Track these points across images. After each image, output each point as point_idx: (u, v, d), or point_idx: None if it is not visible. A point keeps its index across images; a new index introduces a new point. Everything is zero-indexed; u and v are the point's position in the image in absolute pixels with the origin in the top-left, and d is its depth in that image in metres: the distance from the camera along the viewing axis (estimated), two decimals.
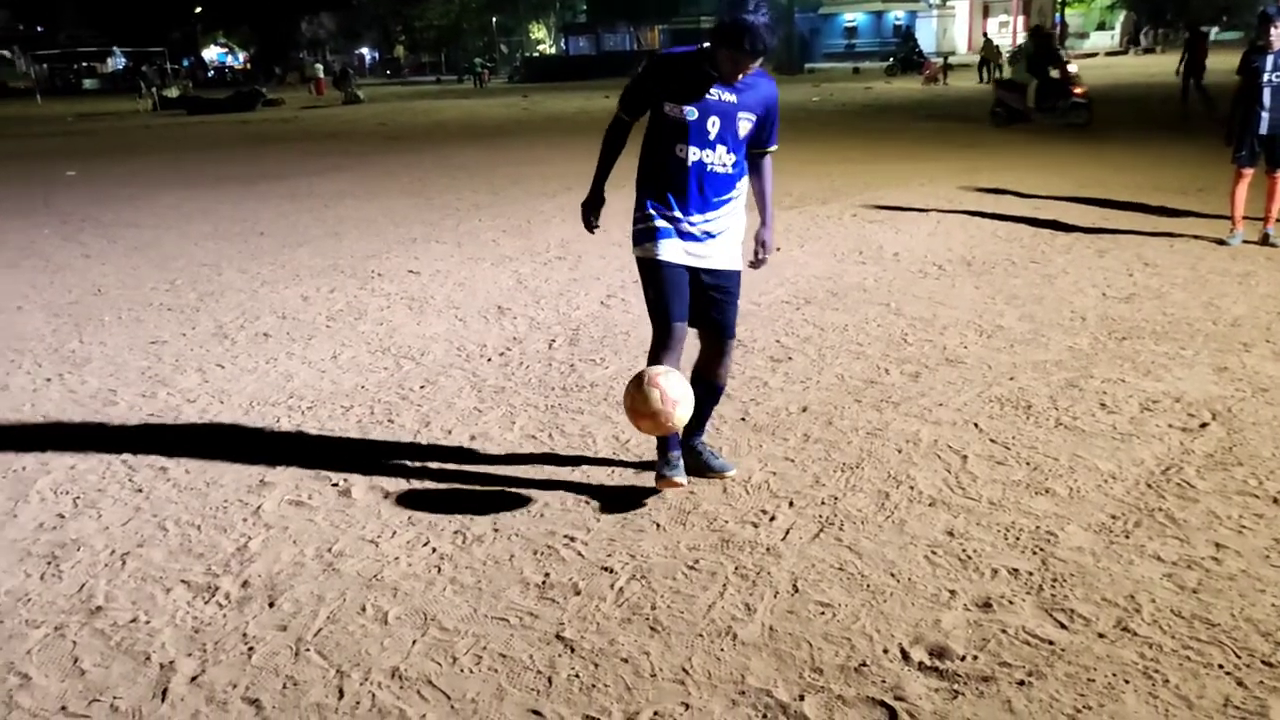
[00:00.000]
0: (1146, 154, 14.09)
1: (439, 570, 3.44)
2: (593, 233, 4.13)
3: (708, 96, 3.67)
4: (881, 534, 3.55)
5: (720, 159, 3.75)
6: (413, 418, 4.93)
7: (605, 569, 3.40)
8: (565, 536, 3.65)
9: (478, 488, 4.10)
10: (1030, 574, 3.25)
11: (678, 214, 3.79)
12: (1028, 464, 4.08)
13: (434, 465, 4.34)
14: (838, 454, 4.26)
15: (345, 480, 4.20)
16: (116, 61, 70.21)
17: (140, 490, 4.17)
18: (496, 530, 3.72)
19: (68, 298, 7.82)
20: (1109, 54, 61.45)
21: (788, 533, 3.59)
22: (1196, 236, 8.40)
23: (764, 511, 3.77)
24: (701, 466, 4.06)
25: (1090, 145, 15.47)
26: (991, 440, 4.33)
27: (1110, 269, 7.39)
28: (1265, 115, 7.77)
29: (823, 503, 3.82)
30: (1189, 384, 4.91)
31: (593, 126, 22.76)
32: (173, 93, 41.24)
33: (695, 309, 3.88)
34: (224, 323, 6.85)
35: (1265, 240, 7.98)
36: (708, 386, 4.02)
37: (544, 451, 4.46)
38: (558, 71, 60.26)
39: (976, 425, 4.51)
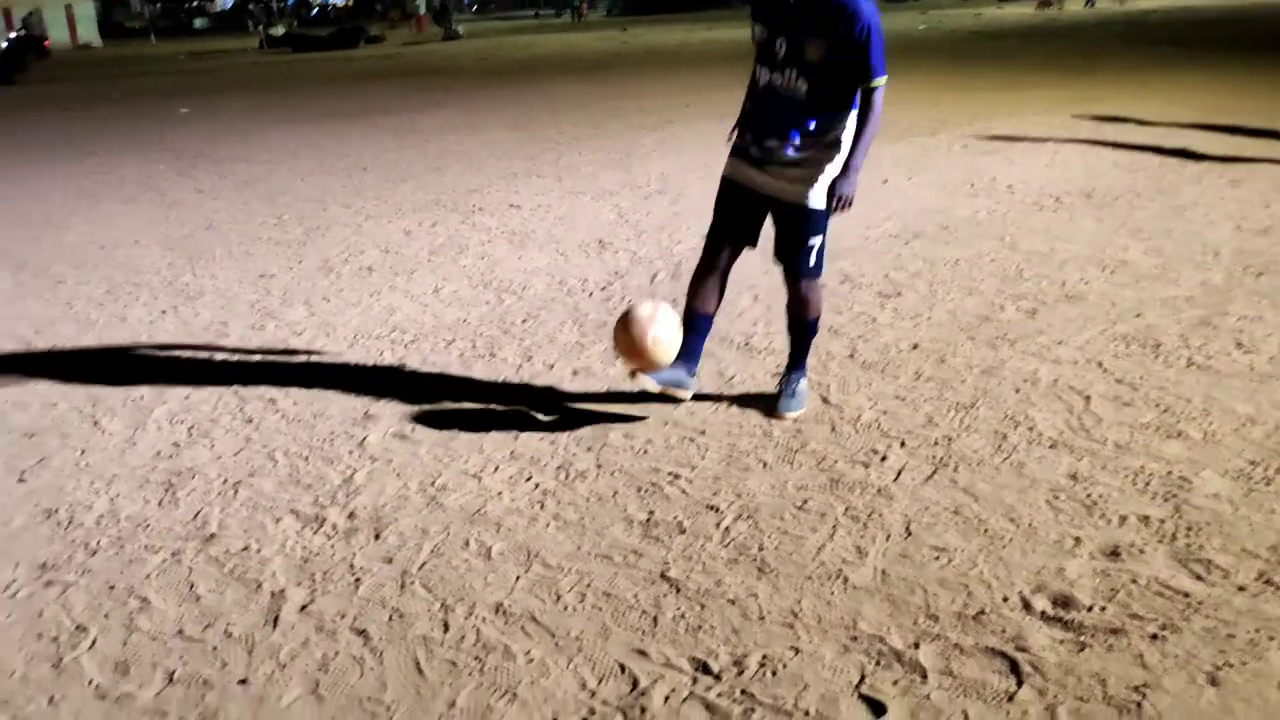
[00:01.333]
0: (1273, 79, 13.23)
1: (542, 506, 3.41)
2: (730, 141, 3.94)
3: (782, 16, 3.56)
4: (999, 477, 3.40)
5: (790, 84, 3.61)
6: (514, 352, 4.90)
7: (710, 508, 3.33)
8: (669, 474, 3.58)
9: (580, 424, 4.05)
10: (1162, 522, 3.07)
11: (749, 135, 3.75)
12: (1157, 405, 3.86)
13: (536, 400, 4.31)
14: (951, 393, 4.10)
15: (448, 413, 4.19)
16: (225, 1, 71.52)
17: (250, 421, 4.23)
18: (599, 466, 3.67)
19: (181, 232, 7.99)
20: None
21: (900, 474, 3.46)
22: None
23: (875, 451, 3.64)
24: (771, 403, 4.01)
25: (1214, 71, 14.59)
26: (1117, 380, 4.11)
27: (1245, 200, 6.96)
28: None
29: (936, 443, 3.67)
30: None
31: (693, 60, 22.39)
32: (278, 31, 41.88)
33: (775, 243, 3.88)
34: (329, 257, 6.92)
35: None
36: (793, 321, 3.99)
37: (645, 384, 4.38)
38: (657, 4, 59.18)
39: (1100, 364, 4.28)
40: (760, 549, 3.06)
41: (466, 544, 3.19)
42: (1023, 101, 12.43)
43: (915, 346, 4.64)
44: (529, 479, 3.61)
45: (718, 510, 3.31)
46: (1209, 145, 8.92)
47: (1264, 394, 3.90)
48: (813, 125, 3.63)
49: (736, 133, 3.83)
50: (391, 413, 4.23)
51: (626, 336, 3.77)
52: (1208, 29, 16.79)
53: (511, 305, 5.65)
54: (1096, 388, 4.04)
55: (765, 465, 3.60)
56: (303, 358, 5.02)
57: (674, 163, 9.61)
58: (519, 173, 9.62)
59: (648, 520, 3.28)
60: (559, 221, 7.56)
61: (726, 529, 3.20)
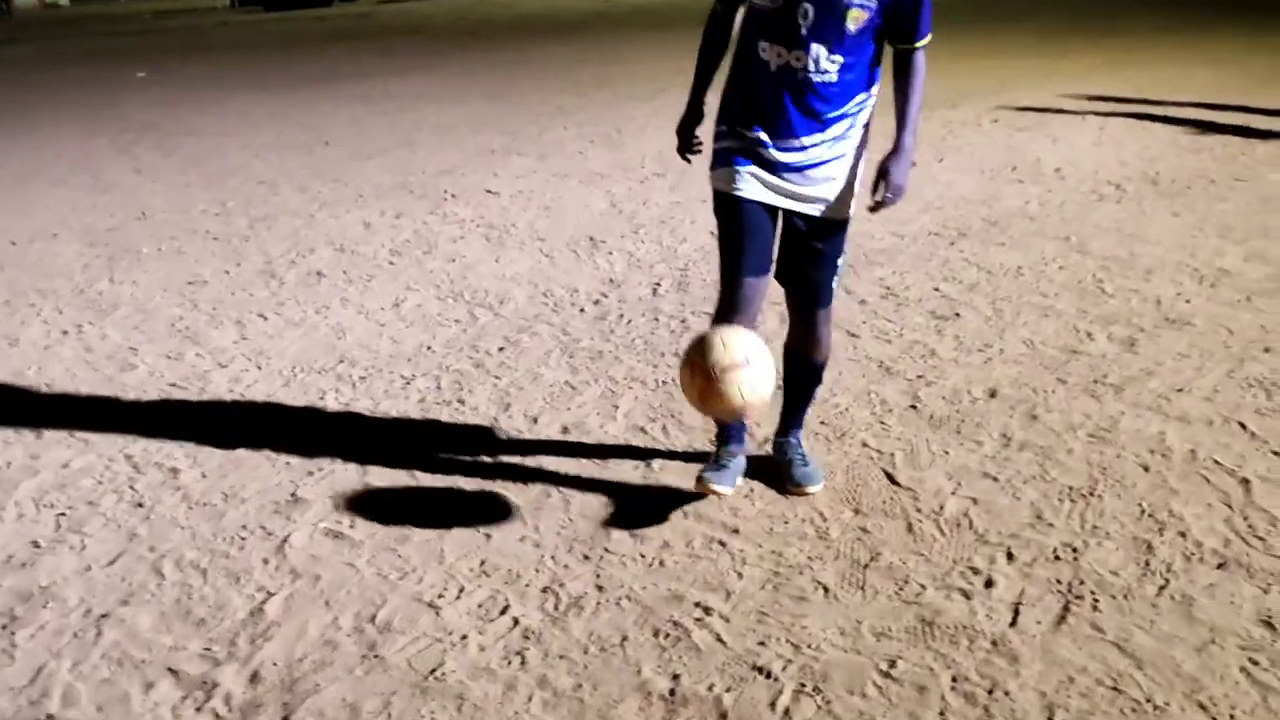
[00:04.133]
0: None
1: (522, 662, 2.44)
2: (689, 159, 3.10)
3: None
4: (1160, 620, 2.44)
5: (819, 64, 2.69)
6: (489, 396, 3.91)
7: (759, 670, 2.36)
8: (695, 605, 2.61)
9: (572, 512, 3.07)
10: None
11: (761, 136, 2.77)
12: None
13: (515, 470, 3.33)
14: (1057, 469, 3.13)
15: (400, 496, 3.21)
16: None
17: (141, 504, 3.23)
18: (600, 589, 2.70)
19: (108, 223, 6.93)
20: None
21: (1017, 613, 2.50)
22: None
23: (973, 569, 2.68)
24: (784, 475, 3.11)
25: (1254, 33, 13.55)
26: (1275, 453, 3.15)
27: None
28: None
29: (1057, 556, 2.71)
30: None
31: (684, 20, 21.17)
32: None
33: (782, 262, 2.93)
34: (273, 257, 5.88)
35: None
36: (799, 365, 3.08)
37: (658, 451, 3.42)
38: None
39: (1243, 426, 3.32)
40: None
41: None
42: (1049, 68, 11.39)
43: (993, 394, 3.67)
44: (505, 609, 2.64)
45: (769, 676, 2.34)
46: (1274, 121, 7.92)
47: None
48: (843, 113, 2.77)
49: (726, 129, 2.83)
50: (327, 493, 3.24)
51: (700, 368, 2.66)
52: None
53: (487, 325, 4.65)
54: (1252, 465, 3.08)
55: (827, 592, 2.63)
56: (224, 401, 4.01)
57: (670, 139, 8.49)
58: (497, 150, 8.56)
59: (671, 694, 2.31)
60: (543, 212, 6.53)
61: (786, 712, 2.23)
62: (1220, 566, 2.62)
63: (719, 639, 2.48)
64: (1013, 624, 2.45)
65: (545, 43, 17.71)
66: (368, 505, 3.16)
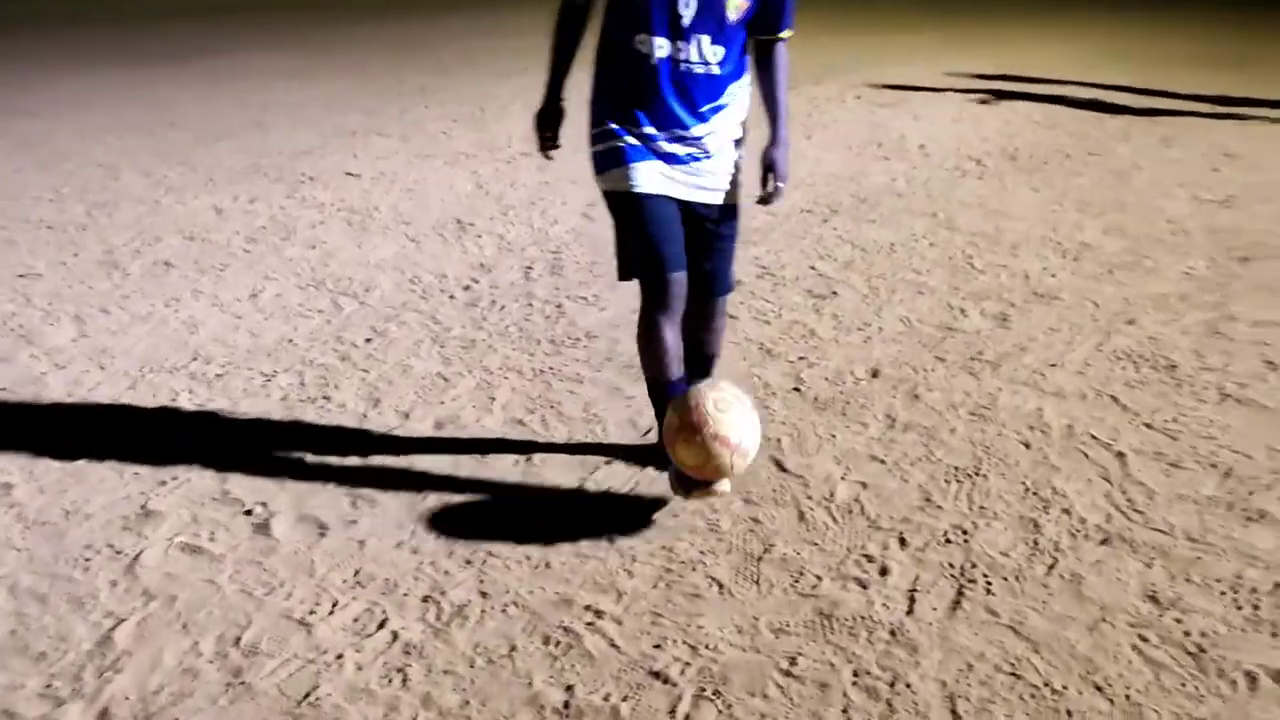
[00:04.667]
0: (1162, 19, 12.80)
1: (404, 680, 2.28)
2: (549, 155, 2.93)
3: None
4: (1052, 600, 2.43)
5: (702, 54, 2.62)
6: (357, 391, 3.69)
7: (657, 675, 2.26)
8: (586, 608, 2.49)
9: (450, 515, 2.91)
10: None
11: (649, 130, 2.67)
12: (1213, 466, 2.97)
13: (387, 470, 3.15)
14: (942, 449, 3.12)
15: (264, 504, 2.98)
16: None
17: None
18: (484, 595, 2.56)
19: None
20: None
21: (912, 599, 2.46)
22: (1271, 120, 7.24)
23: (867, 557, 2.63)
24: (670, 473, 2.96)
25: (1096, 10, 14.11)
26: (1146, 425, 3.21)
27: (1188, 163, 6.23)
28: None
29: (948, 539, 2.69)
30: None
31: None
32: None
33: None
34: (115, 246, 5.48)
35: None
36: (696, 356, 2.98)
37: (537, 444, 3.28)
38: None
39: (1115, 399, 3.38)
40: None
41: None
42: (904, 46, 11.61)
43: (875, 374, 3.66)
44: (383, 623, 2.47)
45: (667, 681, 2.24)
46: (1123, 96, 8.24)
47: None
48: (725, 102, 2.72)
49: (609, 127, 2.68)
50: (181, 504, 2.99)
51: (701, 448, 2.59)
52: None
53: (352, 315, 4.41)
54: (1126, 438, 3.13)
55: (721, 588, 2.54)
56: (63, 407, 3.69)
57: None
58: (357, 130, 8.21)
59: (565, 706, 2.18)
60: (407, 194, 6.27)
61: (687, 719, 2.13)
62: (1104, 542, 2.64)
63: (612, 644, 2.36)
64: (909, 612, 2.42)
65: (403, 18, 17.18)
66: (228, 516, 2.93)
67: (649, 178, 2.67)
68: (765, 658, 2.29)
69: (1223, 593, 2.44)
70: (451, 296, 4.58)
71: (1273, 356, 3.62)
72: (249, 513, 2.95)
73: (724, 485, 2.69)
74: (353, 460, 3.22)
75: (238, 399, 3.69)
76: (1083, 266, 4.59)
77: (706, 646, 2.34)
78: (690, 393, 2.63)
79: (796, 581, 2.55)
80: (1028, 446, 3.11)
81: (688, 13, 2.57)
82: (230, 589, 2.61)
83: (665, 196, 2.70)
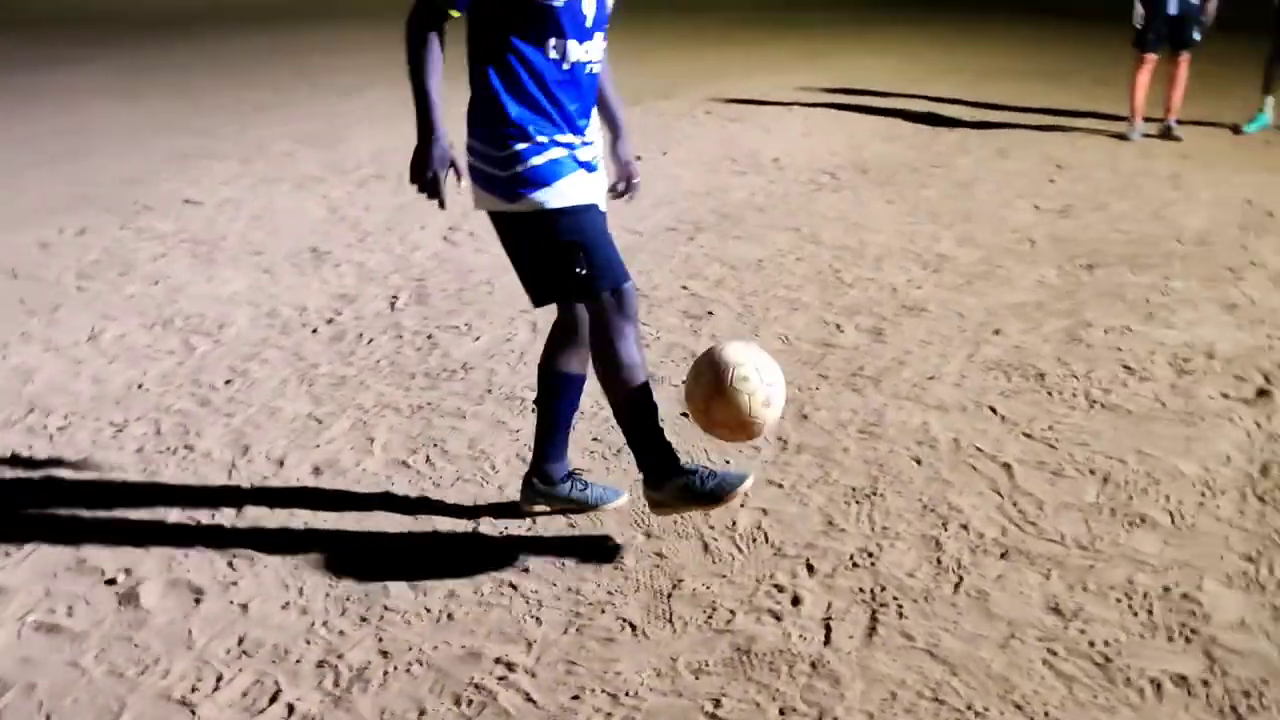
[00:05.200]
0: (986, 34, 13.45)
1: None
2: (444, 203, 2.58)
3: None
4: (962, 620, 2.46)
5: (596, 53, 2.57)
6: (221, 438, 3.46)
7: None
8: (496, 661, 2.38)
9: (343, 566, 2.74)
10: (1205, 685, 2.24)
11: (569, 138, 2.56)
12: (1092, 473, 3.07)
13: (265, 524, 2.95)
14: (838, 470, 3.13)
15: (127, 571, 2.75)
16: None
17: None
18: (385, 655, 2.41)
19: None
20: None
21: (828, 628, 2.45)
22: (1092, 131, 7.67)
23: (778, 587, 2.61)
24: (574, 502, 2.92)
25: (925, 26, 14.72)
26: (1026, 435, 3.30)
27: (1025, 173, 6.52)
28: None
29: (855, 563, 2.69)
30: (1208, 330, 4.04)
31: (388, 8, 20.42)
32: None
33: None
34: None
35: (1167, 133, 7.32)
36: (575, 381, 2.84)
37: (424, 485, 3.14)
38: None
39: (994, 410, 3.47)
40: None
41: None
42: (746, 60, 11.82)
43: None
44: (275, 696, 2.29)
45: None
46: (958, 110, 8.59)
47: (1198, 443, 3.21)
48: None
49: (534, 143, 2.50)
50: (32, 577, 2.73)
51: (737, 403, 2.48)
52: None
53: (207, 355, 4.15)
54: (1010, 449, 3.21)
55: (635, 629, 2.47)
56: None
57: (386, 137, 8.13)
58: (191, 154, 7.79)
59: None
60: (255, 222, 5.97)
61: None
62: (1004, 556, 2.69)
63: (528, 698, 2.26)
64: (827, 642, 2.40)
65: (230, 31, 16.48)
66: (87, 587, 2.68)
67: (588, 188, 2.57)
68: (688, 701, 2.23)
69: (1118, 599, 2.51)
70: (314, 330, 4.37)
71: (1130, 361, 3.79)
72: (111, 582, 2.71)
73: (748, 483, 2.56)
74: (225, 515, 3.01)
75: (86, 452, 3.41)
76: (944, 278, 4.72)
77: (627, 694, 2.26)
78: (703, 355, 2.59)
79: (710, 617, 2.50)
80: (919, 463, 3.15)
81: (590, 13, 2.50)
82: (97, 671, 2.38)
83: (598, 207, 2.62)
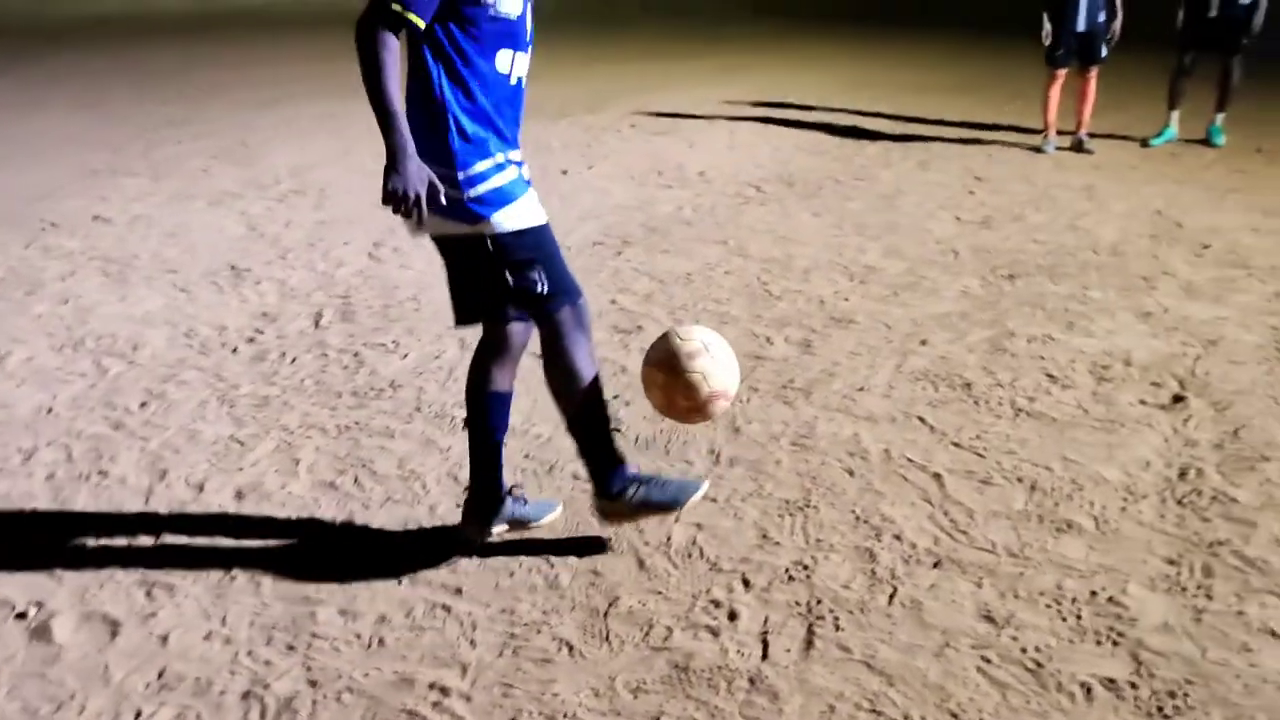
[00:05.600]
0: (900, 49, 13.71)
1: None
2: (423, 222, 2.39)
3: None
4: (898, 630, 2.47)
5: (529, 67, 2.56)
6: (138, 463, 3.35)
7: None
8: (430, 686, 2.33)
9: (264, 594, 2.66)
10: (1134, 688, 2.27)
11: (516, 154, 2.54)
12: (1019, 480, 3.11)
13: (185, 551, 2.86)
14: (771, 483, 3.13)
15: (39, 604, 2.63)
16: None
17: None
18: (314, 684, 2.34)
19: None
20: None
21: (765, 642, 2.44)
22: (1007, 144, 7.84)
23: (714, 602, 2.59)
24: (514, 520, 2.88)
25: (842, 41, 14.96)
26: (955, 444, 3.34)
27: (945, 185, 6.63)
28: (1082, 10, 7.19)
29: (790, 576, 2.68)
30: (1125, 339, 4.13)
31: (293, 23, 20.14)
32: None
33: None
34: None
35: (1079, 147, 7.52)
36: (506, 398, 2.77)
37: (352, 507, 3.07)
38: None
39: (923, 420, 3.50)
40: None
41: None
42: (668, 74, 11.88)
43: None
44: None
45: None
46: (878, 123, 8.71)
47: (1119, 449, 3.28)
48: None
49: (495, 160, 2.44)
50: None
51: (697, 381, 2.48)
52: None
53: (120, 376, 4.01)
54: (939, 458, 3.25)
55: (571, 649, 2.43)
56: None
57: (303, 152, 7.99)
58: (101, 169, 7.57)
59: None
60: (169, 239, 5.81)
61: None
62: (936, 566, 2.71)
63: None
64: (764, 657, 2.39)
65: (140, 45, 16.09)
66: None
67: (538, 205, 2.53)
68: None
69: (1048, 605, 2.54)
70: (235, 350, 4.25)
71: (1052, 370, 3.87)
72: (22, 616, 2.60)
73: (703, 491, 2.64)
74: (142, 542, 2.91)
75: None
76: (870, 289, 4.77)
77: (565, 715, 2.22)
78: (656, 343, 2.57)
79: (647, 635, 2.47)
80: (851, 474, 3.17)
81: (529, 26, 2.49)
82: (9, 709, 2.28)
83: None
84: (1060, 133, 7.58)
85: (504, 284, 2.48)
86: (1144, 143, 7.64)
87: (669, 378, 2.49)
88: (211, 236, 5.84)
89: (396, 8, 2.26)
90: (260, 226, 6.03)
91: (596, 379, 2.58)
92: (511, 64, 2.46)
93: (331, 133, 8.66)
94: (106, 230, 5.99)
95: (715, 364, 2.48)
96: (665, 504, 2.60)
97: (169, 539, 2.92)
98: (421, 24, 2.31)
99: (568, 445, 3.32)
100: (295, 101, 10.27)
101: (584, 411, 2.59)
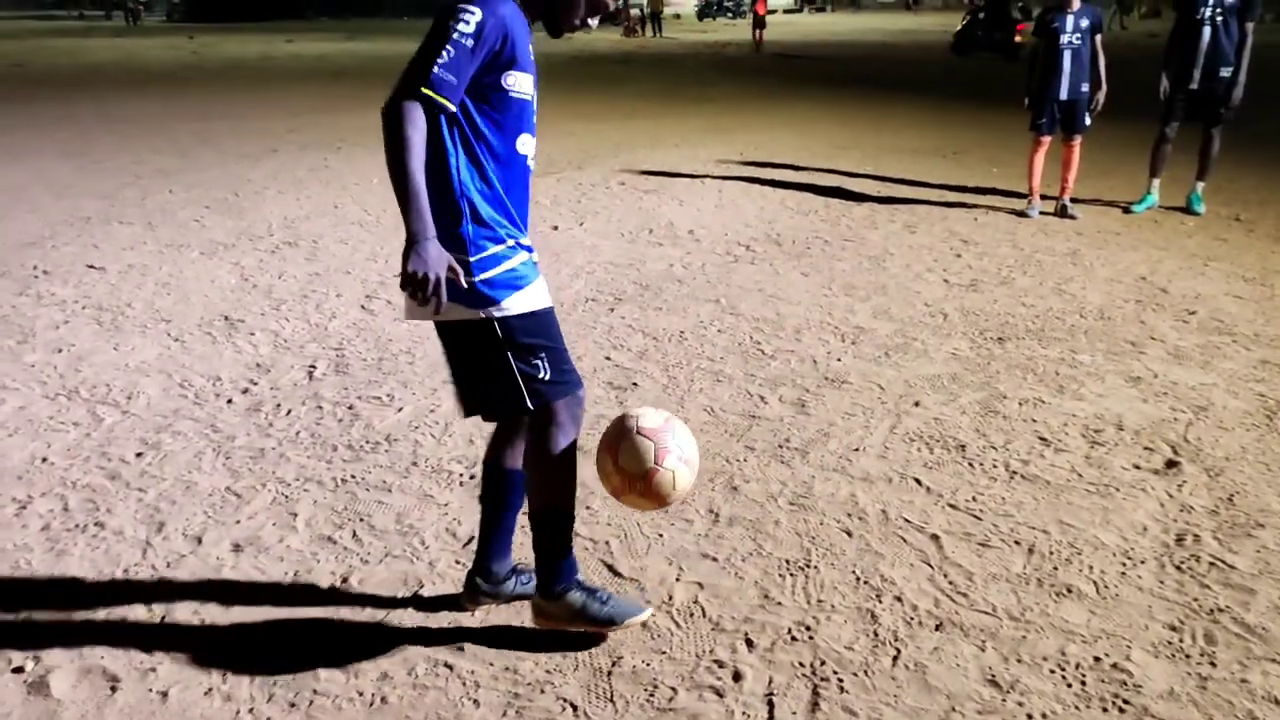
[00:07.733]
0: (884, 113, 13.96)
1: None
2: (441, 307, 2.28)
3: (532, 56, 2.43)
4: (903, 693, 2.47)
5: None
6: (135, 515, 3.32)
7: None
8: None
9: (265, 650, 2.64)
10: None
11: (526, 239, 2.49)
12: (1017, 543, 3.14)
13: (183, 605, 2.83)
14: (770, 543, 3.15)
15: (36, 659, 2.60)
16: None
17: None
18: None
19: None
20: (786, 12, 64.70)
21: (771, 704, 2.43)
22: (992, 208, 7.97)
23: (718, 662, 2.59)
24: (519, 597, 2.84)
25: (825, 104, 15.22)
26: (951, 505, 3.36)
27: (933, 248, 6.73)
28: (1065, 80, 7.37)
29: (793, 637, 2.69)
30: (1115, 403, 4.19)
31: (284, 75, 20.35)
32: None
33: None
34: None
35: (1063, 212, 7.65)
36: (521, 477, 2.70)
37: (351, 562, 3.05)
38: (224, 10, 55.42)
39: (919, 482, 3.53)
40: None
41: None
42: (656, 131, 12.05)
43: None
44: None
45: None
46: (863, 185, 8.84)
47: (1115, 514, 3.31)
48: None
49: (507, 244, 2.40)
50: None
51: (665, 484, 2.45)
52: (796, 62, 17.90)
53: (115, 426, 4.00)
54: (937, 520, 3.27)
55: (575, 710, 2.42)
56: None
57: (295, 204, 8.03)
58: (93, 218, 7.58)
59: None
60: (163, 289, 5.81)
61: None
62: (938, 628, 2.72)
63: None
64: (770, 719, 2.38)
65: (128, 96, 16.18)
66: None
67: (545, 288, 2.49)
68: None
69: (1051, 670, 2.55)
70: (230, 401, 4.25)
71: (1044, 433, 3.91)
72: (19, 670, 2.57)
73: (643, 616, 2.65)
74: (140, 596, 2.88)
75: None
76: (862, 350, 4.82)
77: None
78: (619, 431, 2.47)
79: (652, 695, 2.47)
80: (850, 534, 3.18)
81: (537, 106, 2.49)
82: None
83: None
84: (1044, 197, 7.71)
85: (508, 368, 2.41)
86: (1126, 209, 7.79)
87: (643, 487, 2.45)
88: (205, 287, 5.84)
89: (427, 91, 2.20)
90: (253, 277, 6.04)
91: (573, 476, 2.54)
92: (530, 146, 2.45)
93: (323, 184, 8.72)
94: (99, 279, 5.98)
95: (683, 464, 2.47)
96: (601, 620, 2.59)
97: (168, 592, 2.89)
98: (452, 108, 2.25)
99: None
100: (283, 155, 10.34)
101: (553, 507, 2.56)
